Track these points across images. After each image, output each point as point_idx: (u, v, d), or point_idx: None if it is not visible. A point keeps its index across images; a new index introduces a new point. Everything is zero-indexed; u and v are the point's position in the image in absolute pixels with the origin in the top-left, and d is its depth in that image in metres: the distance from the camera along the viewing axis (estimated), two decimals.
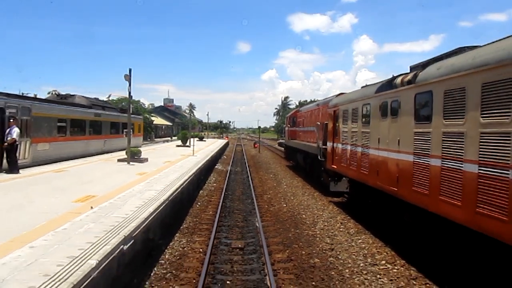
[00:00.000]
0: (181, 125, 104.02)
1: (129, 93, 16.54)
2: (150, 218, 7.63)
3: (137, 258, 6.77)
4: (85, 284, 4.34)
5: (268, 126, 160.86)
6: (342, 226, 11.21)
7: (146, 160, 18.48)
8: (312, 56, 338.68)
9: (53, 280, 4.22)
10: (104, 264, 4.96)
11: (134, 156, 17.66)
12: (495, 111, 5.39)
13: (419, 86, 7.76)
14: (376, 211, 10.99)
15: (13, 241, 5.60)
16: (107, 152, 23.89)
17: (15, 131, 13.30)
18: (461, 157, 6.14)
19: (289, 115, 32.88)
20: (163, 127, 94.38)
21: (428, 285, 7.03)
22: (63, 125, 19.03)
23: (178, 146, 35.10)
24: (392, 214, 9.69)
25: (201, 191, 16.67)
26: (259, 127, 74.15)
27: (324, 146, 16.19)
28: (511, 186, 5.04)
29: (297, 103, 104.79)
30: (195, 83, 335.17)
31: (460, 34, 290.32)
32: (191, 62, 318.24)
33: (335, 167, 14.13)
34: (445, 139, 6.65)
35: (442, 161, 6.70)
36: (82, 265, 4.70)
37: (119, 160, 17.67)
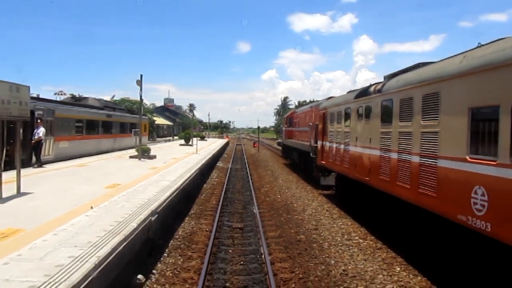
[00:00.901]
0: (182, 125, 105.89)
1: (140, 96, 18.46)
2: (168, 200, 9.51)
3: (160, 228, 8.65)
4: (132, 237, 6.20)
5: (268, 126, 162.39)
6: (327, 213, 13.08)
7: (154, 157, 20.38)
8: (312, 56, 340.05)
9: (111, 233, 6.08)
10: (141, 227, 6.83)
11: (144, 153, 19.55)
12: (430, 116, 7.25)
13: (384, 94, 9.64)
14: (357, 199, 12.85)
15: (70, 213, 7.47)
16: (117, 150, 25.82)
17: (42, 131, 15.18)
18: (410, 150, 8.00)
19: (286, 116, 34.77)
20: (164, 127, 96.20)
21: (388, 252, 8.91)
22: (80, 125, 20.98)
23: (181, 145, 37.04)
24: (367, 200, 11.54)
25: (205, 185, 18.53)
26: (258, 127, 75.98)
27: (315, 145, 18.07)
28: (438, 171, 6.90)
29: (297, 103, 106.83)
30: (195, 83, 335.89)
31: (460, 34, 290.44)
32: (191, 62, 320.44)
33: (324, 162, 16.01)
34: (400, 137, 8.52)
35: (398, 154, 8.58)
36: (127, 226, 6.56)
37: (130, 157, 19.58)
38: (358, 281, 7.24)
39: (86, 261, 4.75)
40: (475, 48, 6.65)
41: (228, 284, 7.02)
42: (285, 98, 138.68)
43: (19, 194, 8.89)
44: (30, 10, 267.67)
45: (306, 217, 12.50)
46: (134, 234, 6.37)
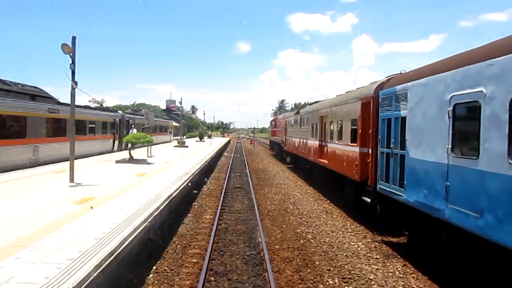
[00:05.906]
0: (187, 126, 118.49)
1: (181, 113, 31.22)
2: (208, 160, 22.47)
3: (202, 175, 21.62)
4: (203, 166, 19.05)
5: (267, 126, 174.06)
6: (283, 172, 25.96)
7: (187, 146, 33.25)
8: (312, 56, 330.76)
9: (197, 163, 18.94)
10: (198, 172, 19.73)
11: (182, 144, 32.43)
12: (307, 124, 20.13)
13: (300, 114, 22.56)
14: (298, 165, 25.70)
15: (178, 160, 20.32)
16: (158, 144, 38.77)
17: (135, 131, 28.01)
18: (304, 137, 20.89)
19: (271, 120, 47.70)
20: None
21: (301, 182, 21.77)
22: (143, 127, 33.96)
23: (197, 141, 50.02)
24: (301, 163, 24.37)
25: (218, 162, 31.44)
26: (254, 128, 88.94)
27: (283, 138, 31.02)
28: (307, 144, 19.75)
29: (293, 106, 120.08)
30: (195, 83, 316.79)
31: (460, 34, 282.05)
32: (191, 62, 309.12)
33: (286, 148, 28.97)
34: (303, 133, 21.41)
35: (304, 140, 21.46)
36: (200, 163, 19.42)
37: (174, 146, 32.49)
38: (283, 186, 20.07)
39: (197, 166, 17.62)
40: (323, 101, 19.59)
41: (235, 184, 19.85)
42: (282, 101, 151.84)
43: (151, 156, 21.81)
44: (30, 10, 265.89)
45: (272, 172, 25.39)
46: (204, 165, 19.27)
